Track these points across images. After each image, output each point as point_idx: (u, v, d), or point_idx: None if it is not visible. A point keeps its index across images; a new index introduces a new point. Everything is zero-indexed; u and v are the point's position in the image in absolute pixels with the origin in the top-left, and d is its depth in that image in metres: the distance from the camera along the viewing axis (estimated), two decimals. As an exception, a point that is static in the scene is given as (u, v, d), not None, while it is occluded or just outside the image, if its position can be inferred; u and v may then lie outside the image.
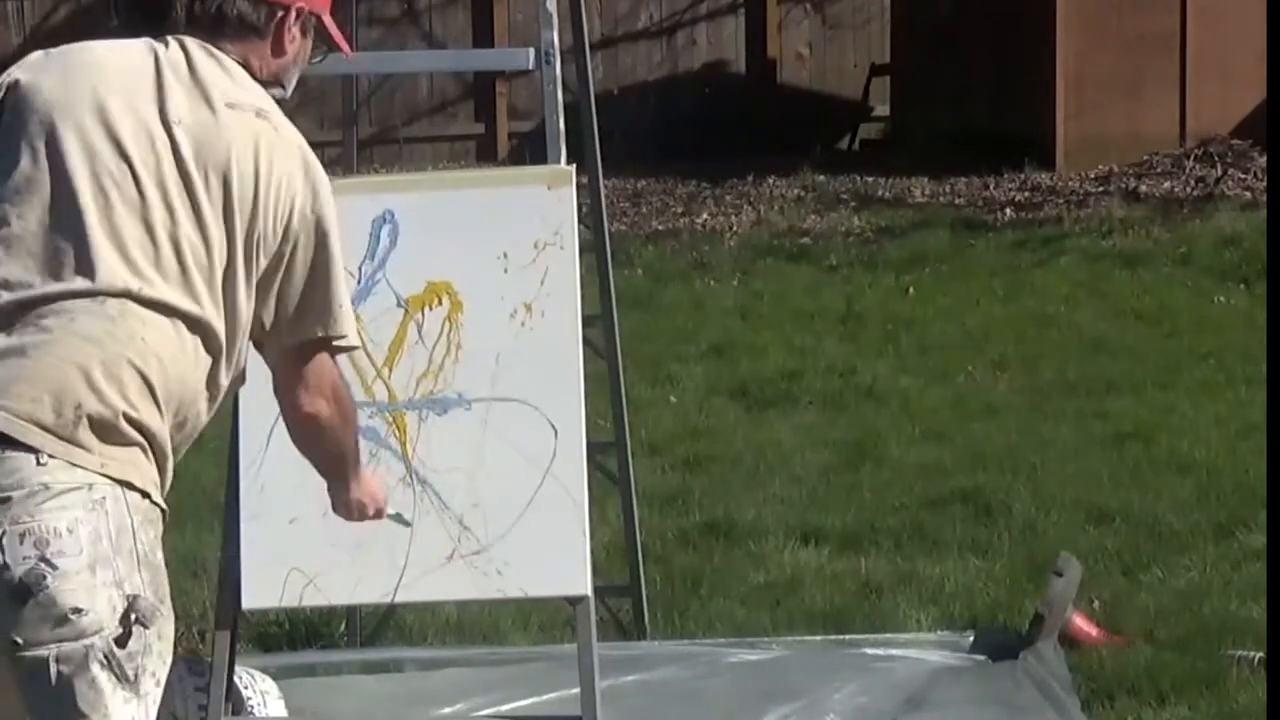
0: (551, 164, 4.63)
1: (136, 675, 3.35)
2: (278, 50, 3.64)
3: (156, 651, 3.39)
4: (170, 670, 4.76)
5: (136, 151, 3.46)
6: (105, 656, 3.31)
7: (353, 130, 6.42)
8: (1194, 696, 5.36)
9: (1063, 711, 5.31)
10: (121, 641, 3.32)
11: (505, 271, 4.52)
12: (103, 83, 3.52)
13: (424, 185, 4.80)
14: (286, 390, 3.65)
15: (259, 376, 3.64)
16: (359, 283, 4.53)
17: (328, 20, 3.70)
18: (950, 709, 5.40)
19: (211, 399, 3.56)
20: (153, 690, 3.40)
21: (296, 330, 3.60)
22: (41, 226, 3.42)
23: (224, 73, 3.55)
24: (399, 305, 4.52)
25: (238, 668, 4.86)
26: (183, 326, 3.44)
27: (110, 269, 3.40)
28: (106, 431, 3.36)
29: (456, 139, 15.84)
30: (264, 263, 3.53)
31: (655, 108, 15.79)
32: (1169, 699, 5.35)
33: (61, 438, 3.33)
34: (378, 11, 15.40)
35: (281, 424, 4.40)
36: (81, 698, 3.31)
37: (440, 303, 4.54)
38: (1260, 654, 5.52)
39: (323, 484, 4.44)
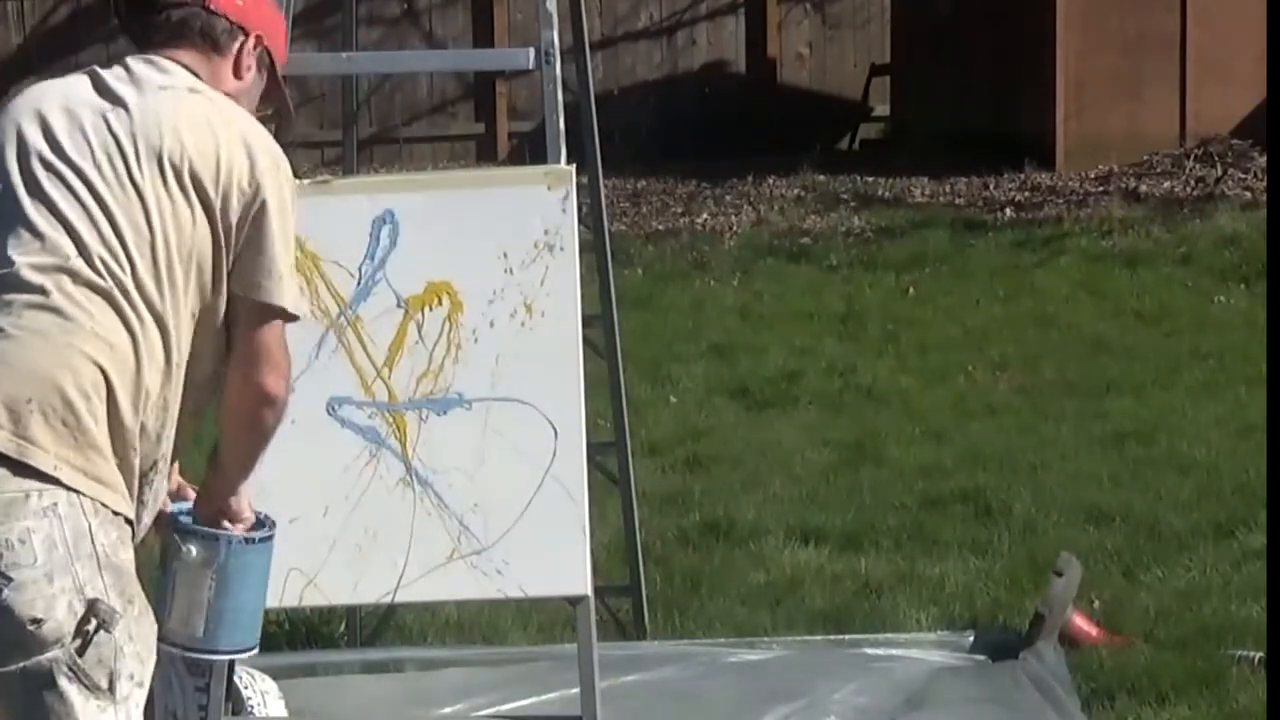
0: (551, 164, 4.62)
1: (111, 681, 3.32)
2: (237, 73, 3.72)
3: (130, 653, 3.35)
4: (170, 669, 4.78)
5: (70, 143, 3.51)
6: (70, 669, 3.27)
7: (353, 130, 6.43)
8: (1194, 696, 5.36)
9: (1063, 711, 5.31)
10: (83, 650, 3.29)
11: (505, 271, 4.52)
12: (43, 98, 3.61)
13: (424, 185, 4.80)
14: (243, 364, 3.57)
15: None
16: (359, 283, 4.53)
17: (279, 63, 3.80)
18: (950, 709, 5.40)
19: (171, 381, 3.51)
20: (134, 692, 3.37)
21: (238, 289, 3.55)
22: None
23: (159, 70, 3.63)
24: (399, 305, 4.52)
25: (238, 668, 4.86)
26: (129, 307, 3.44)
27: (49, 249, 3.42)
28: (59, 429, 3.33)
29: (456, 139, 15.84)
30: (209, 237, 3.53)
31: (655, 108, 15.78)
32: (1169, 699, 5.35)
33: (15, 435, 3.31)
34: (378, 11, 15.39)
35: (283, 424, 4.41)
36: (53, 713, 3.28)
37: (440, 303, 4.54)
38: (1260, 654, 5.52)
39: (324, 484, 4.45)
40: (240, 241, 3.54)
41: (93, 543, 3.33)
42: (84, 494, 3.35)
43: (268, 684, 5.15)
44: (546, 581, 4.49)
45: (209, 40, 3.68)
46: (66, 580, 3.28)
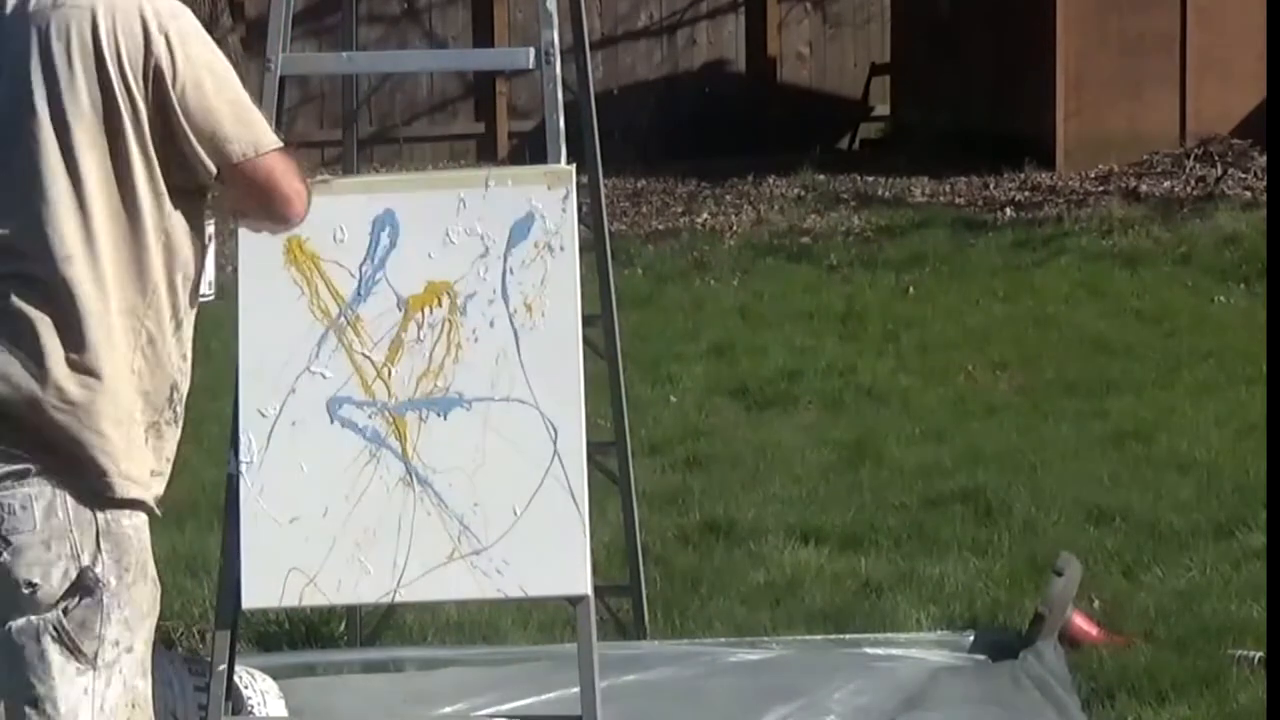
0: (551, 163, 4.62)
1: (94, 647, 3.40)
2: None
3: (117, 619, 3.44)
4: (170, 669, 4.78)
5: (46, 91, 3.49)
6: (56, 629, 3.37)
7: (353, 130, 6.42)
8: (1194, 696, 5.36)
9: (1063, 711, 5.31)
10: (68, 613, 3.37)
11: (506, 271, 4.52)
12: None
13: (424, 185, 4.79)
14: (258, 216, 3.80)
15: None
16: (359, 283, 4.52)
17: None
18: (950, 709, 5.40)
19: (172, 297, 3.58)
20: (122, 657, 3.46)
21: (203, 163, 3.59)
22: None
23: None
24: (399, 305, 4.51)
25: (238, 668, 4.85)
26: (138, 271, 3.48)
27: (64, 217, 3.44)
28: (71, 399, 3.39)
29: (456, 138, 15.84)
30: (146, 128, 3.53)
31: (655, 107, 15.79)
32: (1169, 699, 5.35)
33: (31, 404, 3.36)
34: (378, 10, 15.40)
35: (281, 423, 4.42)
36: (30, 667, 3.38)
37: (440, 303, 4.53)
38: (1260, 654, 5.53)
39: (323, 484, 4.45)
40: (179, 121, 3.56)
41: (93, 513, 3.40)
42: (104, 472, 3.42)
43: (268, 684, 5.15)
44: (546, 581, 4.48)
45: None
46: (64, 547, 3.37)
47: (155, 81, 3.53)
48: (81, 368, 3.43)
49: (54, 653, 3.37)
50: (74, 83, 3.48)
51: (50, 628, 3.37)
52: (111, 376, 3.46)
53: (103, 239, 3.47)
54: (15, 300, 3.41)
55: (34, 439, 3.38)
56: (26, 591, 3.35)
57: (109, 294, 3.48)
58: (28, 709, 3.38)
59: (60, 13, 3.51)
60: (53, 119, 3.47)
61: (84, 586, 3.38)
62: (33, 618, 3.36)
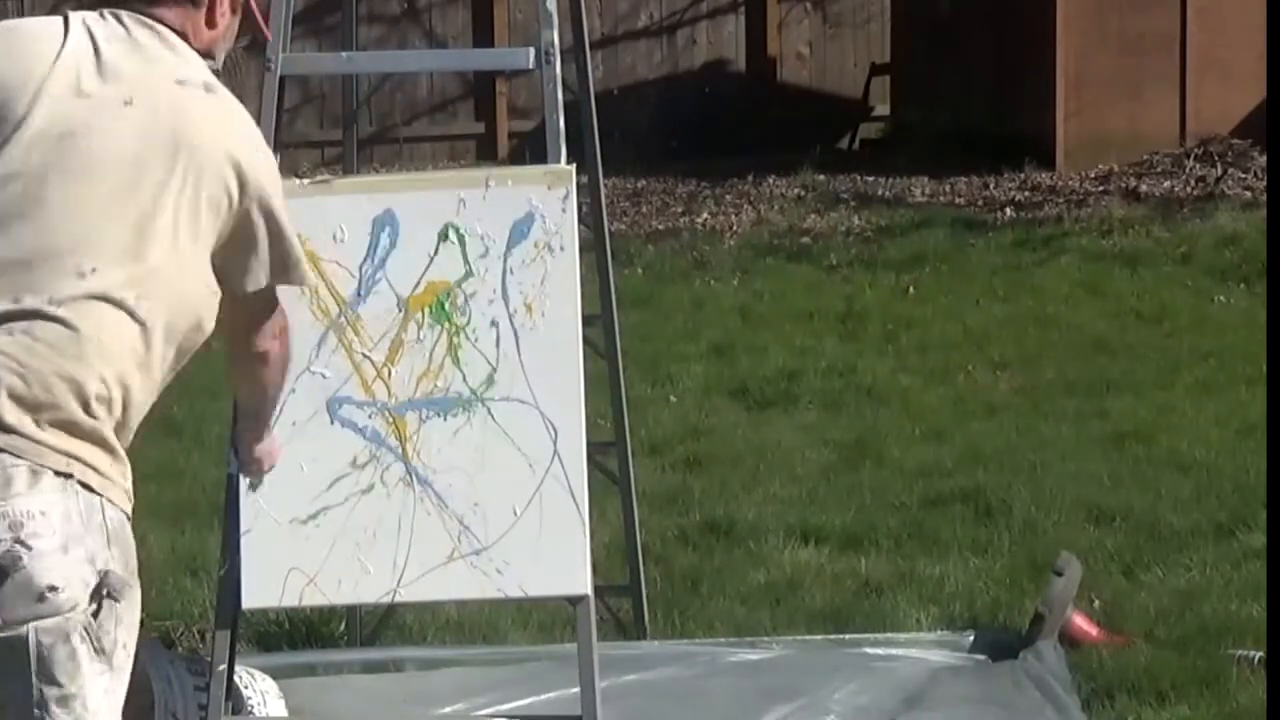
0: (551, 163, 4.62)
1: (111, 648, 3.44)
2: (210, 22, 3.70)
3: (126, 623, 3.48)
4: (170, 669, 4.78)
5: (80, 130, 3.49)
6: (85, 629, 3.40)
7: (353, 130, 6.43)
8: (1194, 696, 5.36)
9: (1063, 711, 5.31)
10: (97, 614, 3.41)
11: (505, 271, 4.52)
12: (40, 63, 3.54)
13: (424, 185, 4.79)
14: (240, 334, 3.77)
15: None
16: (359, 283, 4.53)
17: (253, 2, 3.81)
18: (950, 709, 5.40)
19: (147, 382, 3.58)
20: (125, 662, 3.50)
21: (250, 284, 3.65)
22: None
23: (166, 47, 3.61)
24: (399, 305, 4.52)
25: (238, 668, 4.86)
26: (121, 309, 3.48)
27: (66, 253, 3.44)
28: (67, 430, 3.41)
29: (457, 138, 15.84)
30: (211, 232, 3.55)
31: (655, 107, 15.78)
32: (1169, 699, 5.36)
33: (26, 437, 3.38)
34: (378, 10, 15.39)
35: (281, 423, 4.42)
36: (59, 667, 3.39)
37: (440, 303, 4.54)
38: (1260, 654, 5.53)
39: (324, 484, 4.46)
40: (246, 232, 3.60)
41: (103, 516, 3.45)
42: (90, 488, 3.45)
43: (268, 684, 5.15)
44: (546, 581, 4.48)
45: None
46: (80, 551, 3.40)
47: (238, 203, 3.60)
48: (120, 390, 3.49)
49: (83, 653, 3.40)
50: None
51: (80, 628, 3.39)
52: (133, 406, 3.53)
53: (167, 290, 3.55)
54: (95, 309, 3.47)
55: (55, 445, 3.41)
56: (50, 595, 3.36)
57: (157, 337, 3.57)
58: (56, 708, 3.39)
59: (191, 96, 3.57)
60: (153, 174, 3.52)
61: (110, 589, 3.42)
62: (60, 618, 3.38)
